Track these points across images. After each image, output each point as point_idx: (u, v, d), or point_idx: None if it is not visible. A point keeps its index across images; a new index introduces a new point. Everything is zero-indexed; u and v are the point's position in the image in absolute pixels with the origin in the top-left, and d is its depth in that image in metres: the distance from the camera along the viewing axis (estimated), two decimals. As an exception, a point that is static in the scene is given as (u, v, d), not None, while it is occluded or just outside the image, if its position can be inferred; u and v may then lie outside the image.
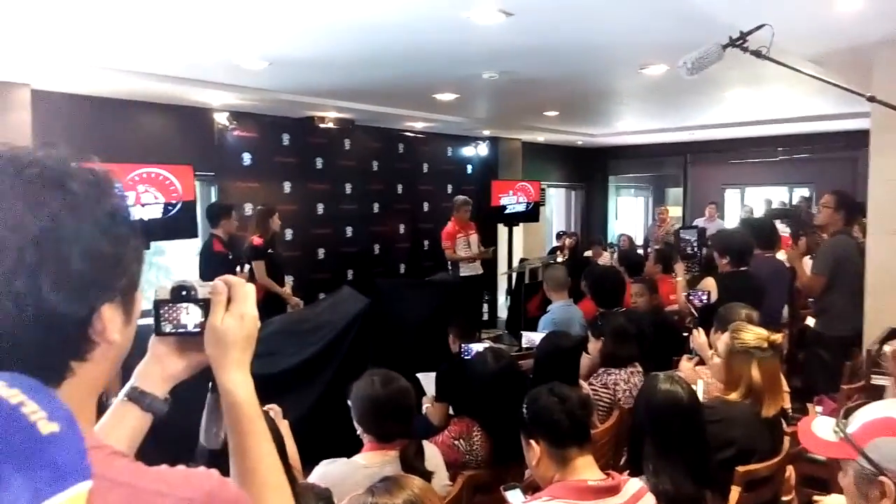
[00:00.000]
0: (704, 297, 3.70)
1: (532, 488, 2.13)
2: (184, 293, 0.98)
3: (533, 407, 1.99)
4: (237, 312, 0.97)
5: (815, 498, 2.18)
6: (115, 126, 5.94)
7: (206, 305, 0.98)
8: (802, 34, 4.11)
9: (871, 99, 2.54)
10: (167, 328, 0.99)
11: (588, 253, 9.25)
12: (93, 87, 5.59)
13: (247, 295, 0.99)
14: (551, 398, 1.97)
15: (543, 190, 10.12)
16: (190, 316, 0.99)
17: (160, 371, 1.00)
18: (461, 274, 7.28)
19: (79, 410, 0.75)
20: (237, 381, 0.96)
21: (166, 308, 0.99)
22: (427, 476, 2.14)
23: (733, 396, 2.56)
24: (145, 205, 5.41)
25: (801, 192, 12.12)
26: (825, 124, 8.88)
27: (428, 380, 3.87)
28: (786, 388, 3.13)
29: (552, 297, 4.94)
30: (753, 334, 2.58)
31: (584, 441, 1.93)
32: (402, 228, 8.88)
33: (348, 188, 8.12)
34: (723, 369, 2.66)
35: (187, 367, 1.01)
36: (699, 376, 3.07)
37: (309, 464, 2.32)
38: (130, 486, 0.71)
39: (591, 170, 12.31)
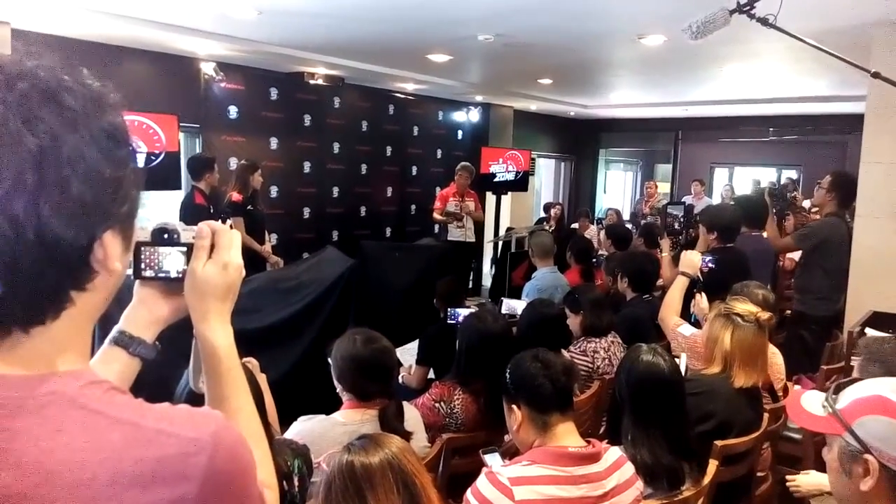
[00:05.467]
0: (712, 264, 3.68)
1: (511, 453, 2.12)
2: (165, 236, 0.94)
3: (516, 372, 1.97)
4: (220, 260, 0.93)
5: (789, 476, 2.20)
6: (98, 70, 5.64)
7: (188, 251, 0.93)
8: (804, 10, 4.05)
9: (876, 75, 2.50)
10: (148, 273, 0.95)
11: (575, 225, 9.22)
12: (77, 29, 5.41)
13: (231, 242, 0.95)
14: (535, 364, 1.95)
15: (533, 160, 10.05)
16: (172, 261, 0.95)
17: (147, 314, 0.96)
18: (449, 238, 7.23)
19: (76, 341, 0.73)
20: (216, 331, 0.93)
21: (147, 251, 0.94)
22: (406, 436, 2.13)
23: (714, 370, 2.57)
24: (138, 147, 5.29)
25: (790, 174, 12.14)
26: (817, 106, 8.87)
27: (404, 352, 3.85)
28: (780, 372, 3.14)
29: (537, 263, 4.95)
30: (744, 306, 2.57)
31: (567, 407, 1.91)
32: (389, 191, 8.79)
33: (336, 147, 7.99)
34: (704, 332, 2.66)
35: (175, 310, 0.97)
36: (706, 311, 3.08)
37: (288, 421, 2.30)
38: (132, 423, 0.68)
39: (581, 141, 12.24)
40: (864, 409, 1.25)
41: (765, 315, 2.55)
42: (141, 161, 5.40)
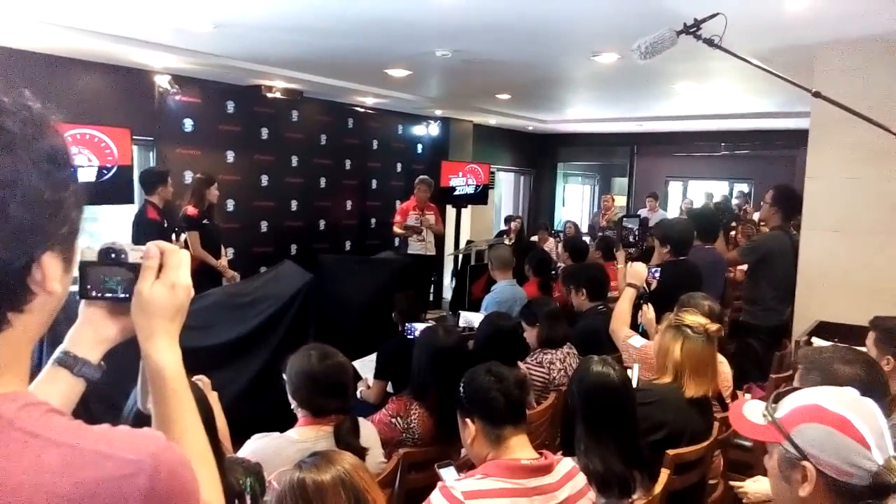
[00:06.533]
0: (657, 275, 3.76)
1: (467, 467, 2.13)
2: (112, 256, 0.93)
3: (470, 386, 1.99)
4: (168, 281, 0.92)
5: (734, 483, 2.26)
6: (48, 83, 5.63)
7: (136, 270, 0.92)
8: (749, 30, 4.19)
9: (817, 94, 2.59)
10: (94, 293, 0.94)
11: (534, 238, 9.32)
12: (29, 41, 5.29)
13: (180, 262, 0.94)
14: (488, 377, 1.96)
15: (493, 173, 10.13)
16: (119, 281, 0.93)
17: (92, 335, 0.95)
18: (409, 252, 7.22)
19: (14, 363, 0.72)
20: (162, 352, 0.92)
21: (94, 271, 0.93)
22: (361, 452, 2.11)
23: (665, 380, 2.62)
24: (80, 166, 5.17)
25: (741, 188, 12.48)
26: (767, 122, 9.15)
27: (363, 365, 3.84)
28: (728, 380, 3.21)
29: (496, 276, 4.97)
30: (694, 318, 2.63)
31: (519, 421, 1.93)
32: (349, 205, 8.76)
33: (294, 161, 7.95)
34: (654, 343, 2.71)
35: (122, 330, 0.96)
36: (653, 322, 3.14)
37: (244, 438, 2.27)
38: (70, 446, 0.67)
39: (540, 155, 12.39)
40: (801, 417, 1.30)
41: (713, 326, 2.62)
42: (92, 175, 5.28)
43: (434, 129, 9.69)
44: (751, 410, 1.39)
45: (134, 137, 6.02)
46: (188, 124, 6.80)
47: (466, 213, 9.42)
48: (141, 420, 0.94)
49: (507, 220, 10.02)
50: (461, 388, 2.00)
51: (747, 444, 3.15)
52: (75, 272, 0.83)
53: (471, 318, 4.24)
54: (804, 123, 4.74)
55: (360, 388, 3.71)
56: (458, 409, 2.00)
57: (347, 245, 8.73)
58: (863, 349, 2.37)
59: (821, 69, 4.46)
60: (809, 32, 4.28)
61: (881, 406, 1.32)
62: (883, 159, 4.12)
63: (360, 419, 2.43)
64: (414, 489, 2.47)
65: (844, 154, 4.36)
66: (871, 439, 1.22)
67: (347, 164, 8.66)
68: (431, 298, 8.87)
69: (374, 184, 9.07)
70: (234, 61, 6.01)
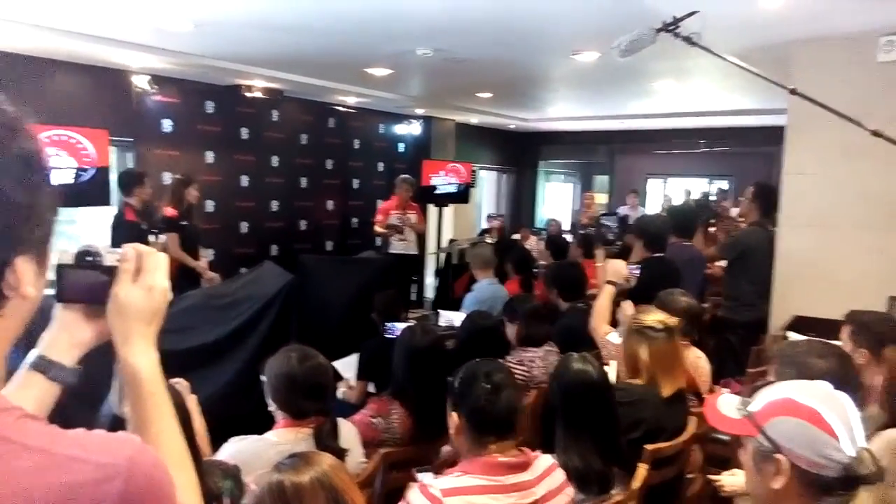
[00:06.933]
0: (637, 272, 3.78)
1: (446, 466, 2.13)
2: (89, 259, 0.92)
3: (465, 382, 1.94)
4: (145, 284, 0.92)
5: (712, 477, 2.28)
6: (24, 84, 5.55)
7: (112, 274, 0.92)
8: (727, 28, 4.22)
9: (794, 91, 2.63)
10: (70, 296, 0.93)
11: (516, 236, 9.35)
12: (4, 41, 5.20)
13: (157, 265, 0.94)
14: (483, 386, 1.90)
15: (475, 172, 10.15)
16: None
17: (68, 338, 0.94)
18: (391, 251, 7.21)
19: None
20: (138, 355, 0.91)
21: (70, 274, 0.92)
22: (341, 454, 2.11)
23: (640, 380, 2.63)
24: (55, 169, 5.11)
25: (721, 185, 12.60)
26: (746, 119, 9.23)
27: (344, 366, 3.83)
28: (705, 375, 3.24)
29: (477, 275, 4.99)
30: (652, 317, 2.64)
31: (505, 435, 1.89)
32: (330, 205, 8.73)
33: (275, 161, 7.91)
34: (621, 347, 2.73)
35: (98, 334, 0.95)
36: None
37: (223, 441, 2.25)
38: (44, 451, 0.66)
39: (521, 154, 12.42)
40: (774, 410, 1.32)
41: (672, 321, 2.63)
42: (69, 177, 5.22)
43: (416, 128, 9.68)
44: (725, 405, 1.41)
45: (112, 138, 5.96)
46: (167, 125, 6.74)
47: (448, 211, 9.42)
48: (118, 424, 0.93)
49: (490, 218, 10.04)
50: (457, 379, 1.97)
51: (725, 438, 3.16)
52: (50, 275, 0.83)
53: (451, 318, 4.25)
54: (782, 120, 4.77)
55: (342, 388, 3.70)
56: (449, 397, 1.97)
57: (329, 245, 8.69)
58: (838, 343, 2.40)
59: (797, 66, 4.50)
60: (785, 30, 4.32)
61: (854, 399, 1.34)
62: (859, 155, 4.16)
63: (340, 420, 2.42)
64: (394, 489, 2.47)
65: (821, 150, 4.41)
66: (841, 431, 1.24)
67: (329, 163, 8.63)
68: (414, 298, 8.85)
69: (355, 183, 9.04)
70: (213, 61, 5.96)
